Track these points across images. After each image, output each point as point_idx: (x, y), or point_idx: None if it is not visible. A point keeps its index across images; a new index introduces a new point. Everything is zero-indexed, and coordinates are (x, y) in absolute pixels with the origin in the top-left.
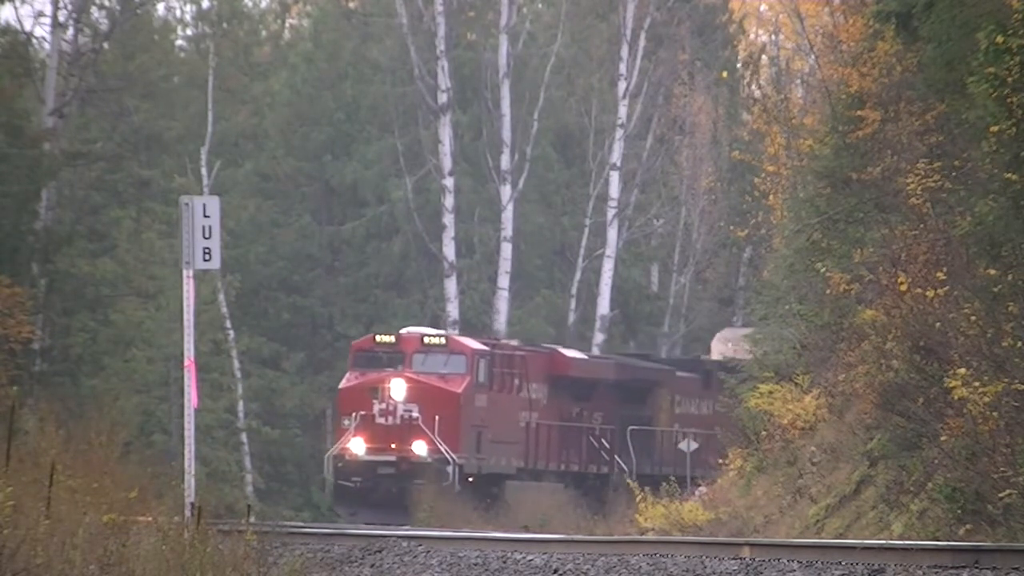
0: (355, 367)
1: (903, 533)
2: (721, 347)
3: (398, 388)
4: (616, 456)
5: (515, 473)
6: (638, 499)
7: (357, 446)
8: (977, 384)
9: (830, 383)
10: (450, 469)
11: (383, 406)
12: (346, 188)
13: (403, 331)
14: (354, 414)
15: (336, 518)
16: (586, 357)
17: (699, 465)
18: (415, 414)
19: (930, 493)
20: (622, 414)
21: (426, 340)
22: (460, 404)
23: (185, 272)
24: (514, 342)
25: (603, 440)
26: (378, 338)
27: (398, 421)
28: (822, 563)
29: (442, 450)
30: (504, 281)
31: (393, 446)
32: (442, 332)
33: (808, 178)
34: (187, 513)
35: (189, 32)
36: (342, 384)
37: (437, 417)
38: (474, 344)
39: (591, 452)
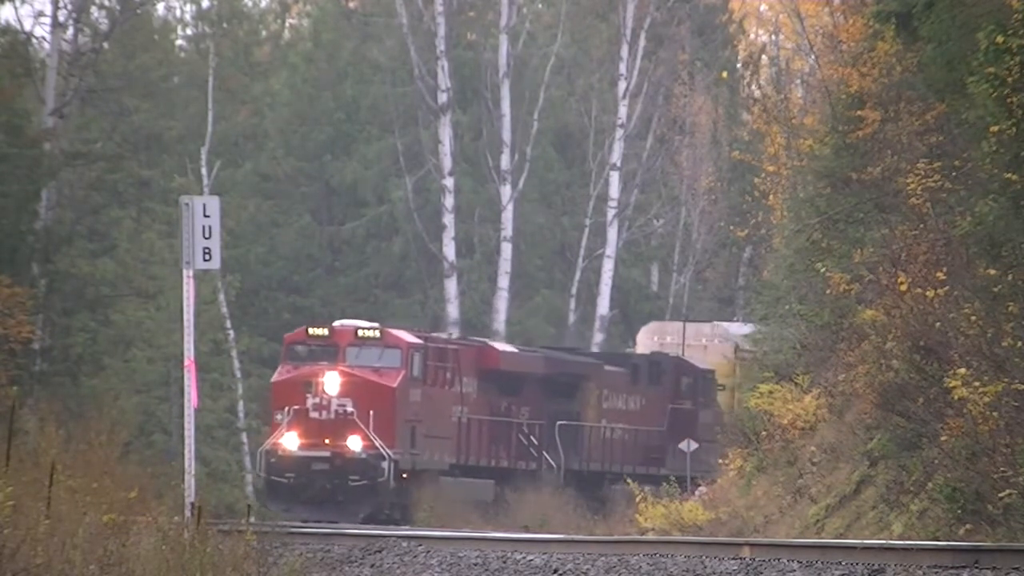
0: (288, 360)
1: (903, 533)
2: (647, 341)
3: (332, 382)
4: (544, 452)
5: (448, 469)
6: (638, 499)
7: (290, 441)
8: (977, 384)
9: (830, 383)
10: (385, 465)
11: (317, 400)
12: (346, 188)
13: (336, 324)
14: (287, 408)
15: (269, 515)
16: (516, 350)
17: (628, 461)
18: (349, 409)
19: (930, 493)
20: (550, 409)
21: (360, 333)
22: (395, 399)
23: (185, 272)
24: (444, 335)
25: (532, 435)
26: (311, 331)
27: (332, 416)
28: (822, 563)
29: (377, 445)
30: (504, 281)
31: (327, 441)
32: (375, 325)
33: (808, 178)
34: (187, 513)
35: (189, 32)
36: (275, 378)
37: (372, 412)
38: (408, 337)
39: (520, 447)
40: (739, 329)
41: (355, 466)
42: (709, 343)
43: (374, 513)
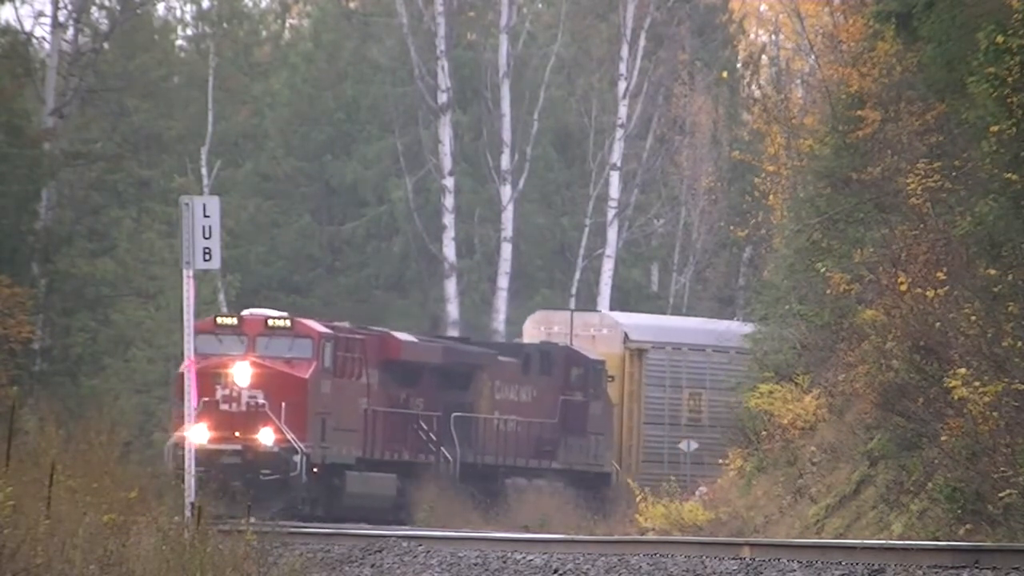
0: (195, 350)
1: (903, 533)
2: (534, 330)
3: (242, 373)
4: (441, 445)
5: (354, 463)
6: (638, 499)
7: (198, 434)
8: (977, 384)
9: (830, 383)
10: (297, 459)
11: (227, 392)
12: (346, 188)
13: (245, 312)
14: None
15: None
16: (416, 340)
17: (521, 454)
18: (261, 401)
19: (930, 493)
20: (445, 400)
21: (270, 323)
22: (307, 390)
23: (185, 272)
24: (346, 323)
25: (429, 428)
26: (219, 320)
27: (243, 408)
28: (822, 563)
29: (289, 439)
30: (504, 281)
31: (238, 434)
32: (286, 314)
33: (808, 178)
34: (187, 513)
35: (189, 32)
36: (182, 368)
37: (284, 404)
38: (319, 327)
39: (419, 440)
40: (707, 326)
41: (267, 460)
42: (597, 333)
43: (287, 508)
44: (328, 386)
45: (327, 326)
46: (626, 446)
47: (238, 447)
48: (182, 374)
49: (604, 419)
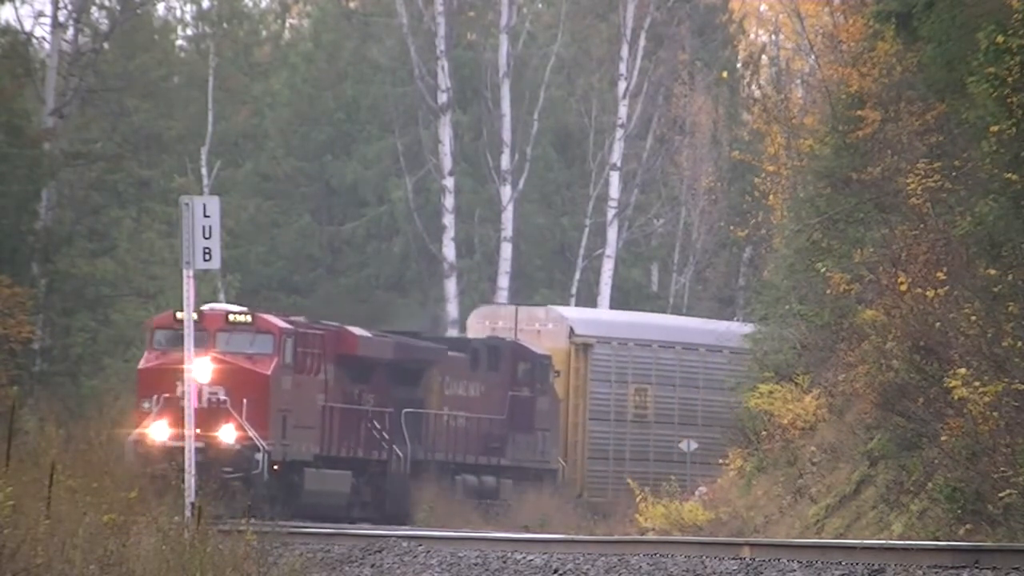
0: (154, 346)
1: (903, 533)
2: (479, 325)
3: (203, 369)
4: (392, 441)
5: (312, 460)
6: (638, 499)
7: (159, 431)
8: (977, 384)
9: (830, 383)
10: (259, 457)
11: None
12: (346, 188)
13: (205, 307)
14: (156, 397)
15: None
16: (370, 335)
17: (470, 451)
18: (222, 397)
19: (930, 493)
20: (396, 396)
21: (231, 318)
22: (269, 387)
23: (185, 272)
24: (302, 318)
25: (382, 424)
26: (179, 315)
27: (204, 404)
28: (822, 563)
29: (251, 436)
30: (504, 281)
31: (199, 431)
32: (246, 309)
33: (808, 178)
34: (187, 513)
35: (189, 32)
36: (141, 364)
37: (245, 401)
38: (280, 322)
39: (372, 437)
40: (676, 322)
41: (228, 458)
42: (543, 328)
43: (250, 507)
44: (289, 382)
45: (287, 321)
46: (571, 442)
47: (199, 444)
48: (144, 370)
49: (551, 415)
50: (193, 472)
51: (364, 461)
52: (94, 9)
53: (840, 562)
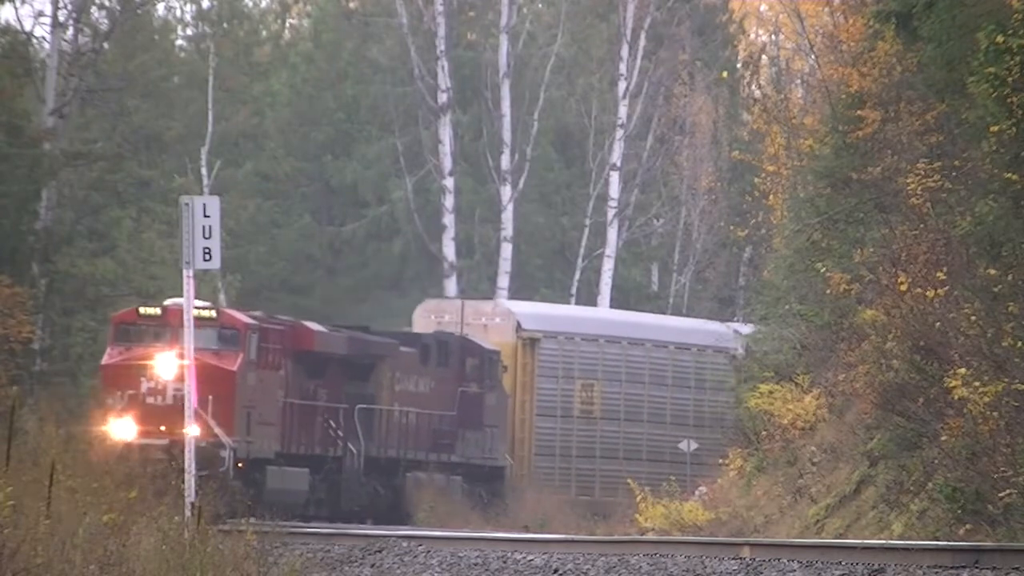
0: (117, 342)
1: (903, 533)
2: (424, 319)
3: (168, 366)
4: (346, 438)
5: (273, 458)
6: (638, 499)
7: (124, 429)
8: (977, 384)
9: (830, 383)
10: (225, 454)
11: (152, 385)
12: (346, 188)
13: (168, 302)
14: (120, 393)
15: None
16: (326, 330)
17: (420, 447)
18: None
19: (930, 493)
20: (349, 392)
21: (195, 313)
22: (235, 383)
23: (185, 272)
24: (259, 312)
25: (338, 420)
26: (142, 310)
27: (169, 402)
28: (822, 563)
29: (217, 433)
30: (504, 281)
31: (164, 429)
32: (210, 304)
33: (808, 178)
34: (187, 513)
35: (189, 32)
36: (105, 360)
37: (211, 397)
38: (245, 318)
39: (327, 434)
40: (631, 318)
41: (195, 455)
42: (490, 322)
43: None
44: (253, 379)
45: (251, 316)
46: (518, 439)
47: (164, 442)
48: (108, 367)
49: (499, 411)
50: (193, 472)
51: (320, 458)
52: (94, 9)
53: (840, 562)
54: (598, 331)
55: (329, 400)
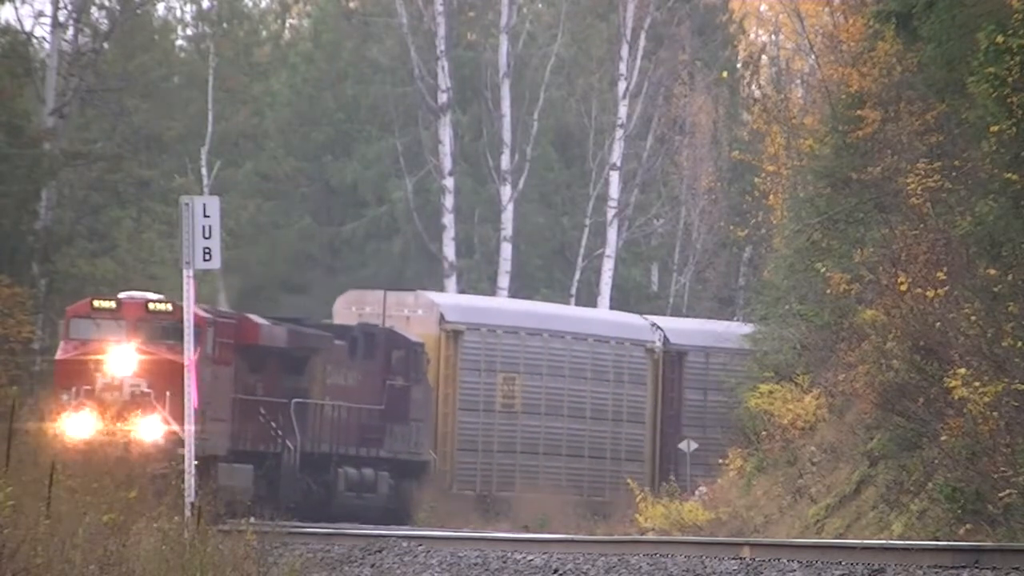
0: (71, 336)
1: (903, 533)
2: (345, 311)
3: (125, 360)
4: (284, 433)
5: (224, 454)
6: (638, 499)
7: (80, 426)
8: (977, 384)
9: (830, 383)
10: (183, 451)
11: (108, 380)
12: (346, 188)
13: (122, 295)
14: (74, 389)
15: None
16: (268, 323)
17: (349, 443)
18: (145, 389)
19: (930, 493)
20: (285, 386)
21: (151, 307)
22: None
23: (185, 272)
24: (207, 306)
25: (277, 415)
26: (96, 303)
27: (126, 397)
28: (822, 563)
29: (175, 430)
30: (504, 281)
31: (119, 425)
32: (162, 296)
33: (808, 178)
34: (187, 513)
35: (189, 32)
36: (59, 355)
37: (168, 393)
38: (202, 312)
39: (268, 429)
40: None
41: (154, 453)
42: (412, 314)
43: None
44: (209, 374)
45: (206, 310)
46: (441, 433)
47: (123, 439)
48: (62, 362)
49: (425, 405)
50: (193, 472)
51: (262, 454)
52: (94, 9)
53: (840, 562)
54: (520, 323)
55: (269, 394)
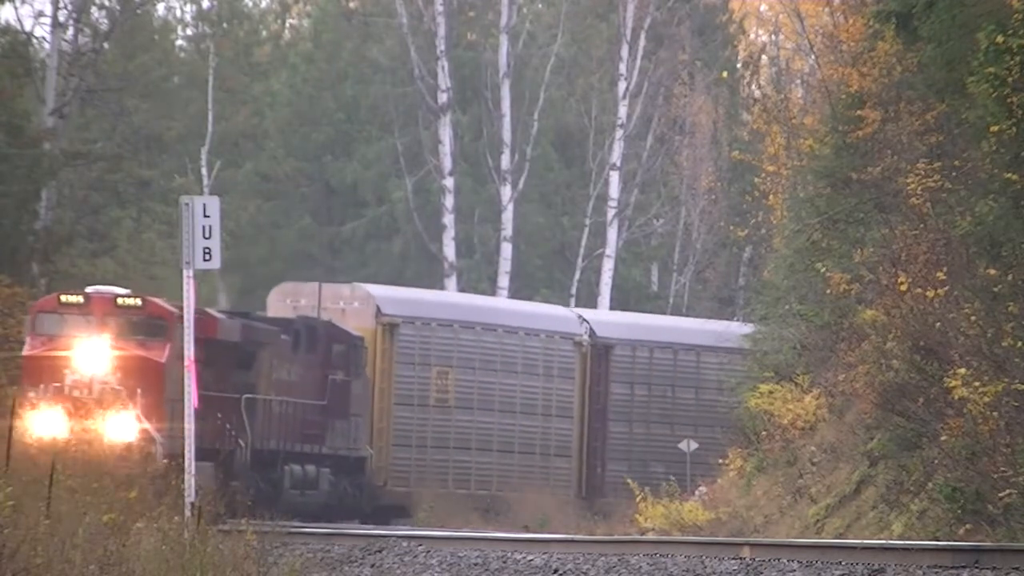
0: (38, 331)
1: (903, 533)
2: (279, 303)
3: (95, 357)
4: (236, 430)
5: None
6: (638, 499)
7: (49, 425)
8: (977, 384)
9: (830, 383)
10: (155, 450)
11: (77, 377)
12: (346, 188)
13: (90, 290)
14: (43, 386)
15: None
16: (225, 318)
17: (294, 439)
18: (116, 387)
19: (930, 493)
20: (236, 381)
21: (120, 302)
22: (164, 375)
23: (185, 272)
24: (174, 302)
25: (229, 411)
26: (63, 298)
27: (95, 394)
28: (822, 563)
29: (147, 428)
30: (504, 281)
31: (91, 424)
32: (128, 292)
33: (808, 178)
34: (187, 513)
35: (189, 32)
36: (26, 351)
37: (139, 390)
38: (171, 307)
39: (223, 425)
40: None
41: (126, 451)
42: (348, 306)
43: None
44: (177, 370)
45: (174, 306)
46: (378, 428)
47: (91, 437)
48: (30, 358)
49: (364, 399)
50: (193, 472)
51: (218, 452)
52: (94, 9)
53: (840, 562)
54: (453, 316)
55: (223, 390)
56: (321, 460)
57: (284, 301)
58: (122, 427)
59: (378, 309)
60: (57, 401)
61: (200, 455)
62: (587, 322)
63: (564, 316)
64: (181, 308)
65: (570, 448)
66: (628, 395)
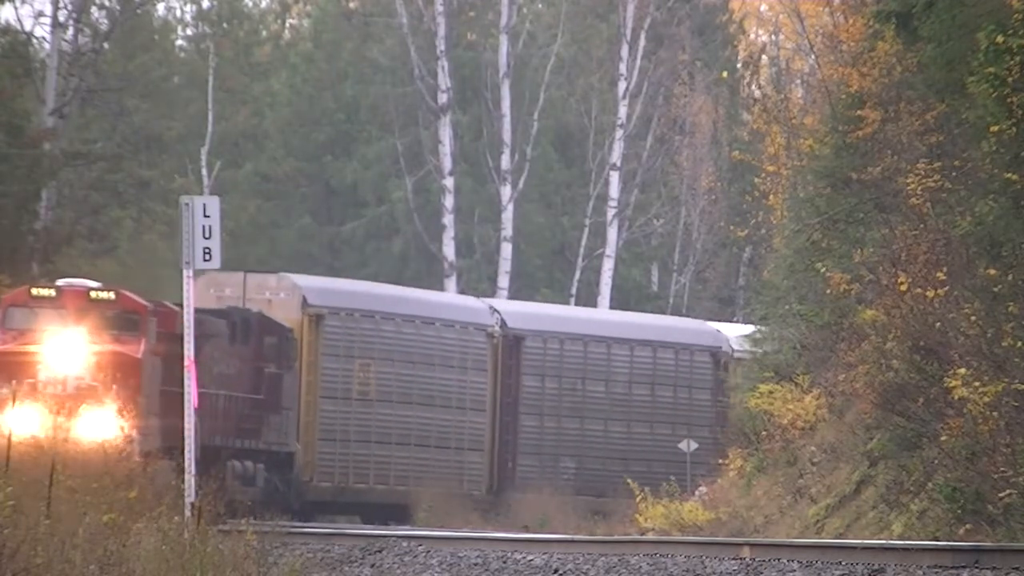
0: (8, 326)
1: (903, 533)
2: (204, 294)
3: (70, 352)
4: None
5: (154, 451)
6: (638, 499)
7: (23, 422)
8: (977, 384)
9: (830, 383)
10: (132, 448)
11: (51, 373)
12: (346, 188)
13: (62, 283)
14: (14, 382)
15: None
16: (179, 310)
17: (234, 434)
18: (91, 383)
19: (930, 493)
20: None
21: (93, 295)
22: (140, 371)
23: (185, 272)
24: (133, 293)
25: (181, 406)
26: (34, 291)
27: (70, 391)
28: (822, 563)
29: (123, 426)
30: (504, 281)
31: (65, 420)
32: (100, 284)
33: (808, 178)
34: (187, 513)
35: (189, 32)
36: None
37: (115, 386)
38: (145, 301)
39: (179, 421)
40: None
41: (101, 448)
42: (274, 297)
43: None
44: (150, 366)
45: (147, 300)
46: (304, 422)
47: (67, 435)
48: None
49: (294, 392)
50: (193, 472)
51: (175, 449)
52: (94, 9)
53: (840, 562)
54: (375, 307)
55: (176, 384)
56: (257, 456)
57: (208, 291)
58: (99, 424)
59: (304, 300)
60: (31, 398)
61: (165, 453)
62: (498, 312)
63: (476, 307)
64: (154, 302)
65: (483, 442)
66: (539, 388)
